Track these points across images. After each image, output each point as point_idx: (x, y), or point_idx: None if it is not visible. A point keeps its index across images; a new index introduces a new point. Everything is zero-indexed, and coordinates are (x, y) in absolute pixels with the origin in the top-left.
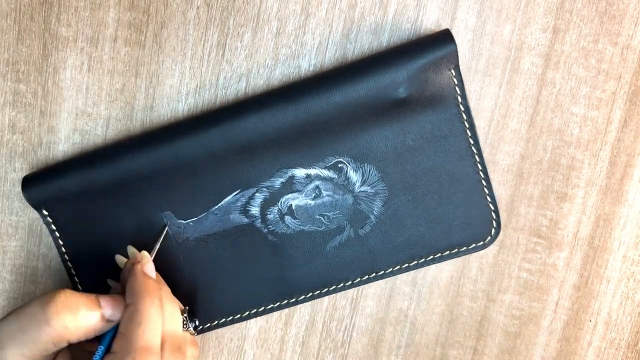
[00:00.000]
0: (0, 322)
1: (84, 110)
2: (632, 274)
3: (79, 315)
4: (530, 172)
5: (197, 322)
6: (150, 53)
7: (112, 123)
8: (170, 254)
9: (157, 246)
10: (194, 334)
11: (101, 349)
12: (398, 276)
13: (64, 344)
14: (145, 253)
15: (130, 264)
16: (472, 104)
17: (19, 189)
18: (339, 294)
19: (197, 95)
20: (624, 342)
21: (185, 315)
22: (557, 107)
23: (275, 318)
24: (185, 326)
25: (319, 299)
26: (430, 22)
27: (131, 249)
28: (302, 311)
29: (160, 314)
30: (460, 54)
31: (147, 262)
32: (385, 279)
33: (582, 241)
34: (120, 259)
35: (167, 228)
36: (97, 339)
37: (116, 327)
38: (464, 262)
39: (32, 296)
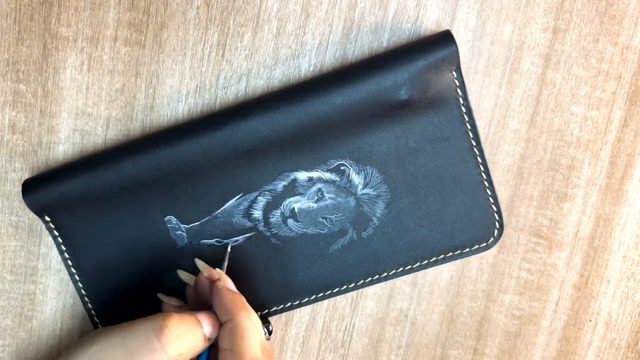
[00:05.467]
0: (102, 343)
1: (84, 110)
2: (632, 274)
3: (189, 339)
4: (530, 172)
5: (271, 328)
6: (150, 53)
7: (112, 123)
8: (172, 258)
9: (226, 263)
10: (268, 339)
11: None
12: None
13: None
14: (221, 271)
15: (204, 278)
16: (472, 104)
17: (19, 189)
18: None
19: (197, 95)
20: (624, 342)
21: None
22: (557, 107)
23: (275, 318)
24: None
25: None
26: (430, 22)
27: (200, 262)
28: (302, 311)
29: (256, 326)
30: (460, 54)
31: (226, 279)
32: None
33: (582, 241)
34: (184, 274)
35: (230, 246)
36: None
37: (207, 350)
38: (464, 262)
39: (32, 296)
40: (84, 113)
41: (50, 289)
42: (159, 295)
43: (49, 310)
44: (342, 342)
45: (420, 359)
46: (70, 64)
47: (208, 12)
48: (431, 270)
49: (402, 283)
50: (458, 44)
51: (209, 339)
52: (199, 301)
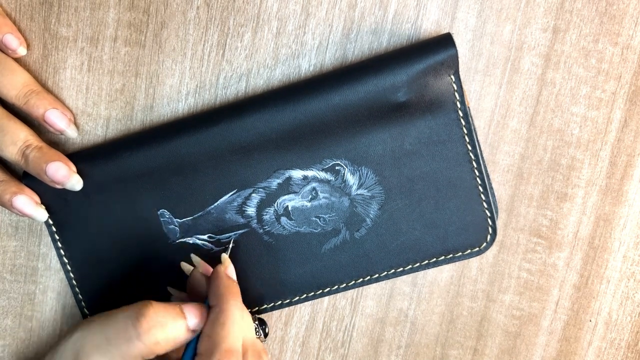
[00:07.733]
0: (83, 330)
1: (84, 110)
2: (632, 274)
3: (168, 329)
4: (530, 172)
5: (267, 330)
6: (150, 53)
7: (112, 123)
8: (164, 252)
9: (230, 249)
10: (263, 341)
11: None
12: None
13: (152, 357)
14: (226, 256)
15: (198, 273)
16: (472, 104)
17: None
18: (338, 294)
19: (197, 95)
20: (624, 342)
21: (256, 322)
22: (557, 107)
23: (275, 318)
24: (257, 333)
25: (319, 299)
26: (430, 22)
27: (195, 258)
28: (302, 311)
29: (243, 317)
30: (460, 54)
31: (229, 265)
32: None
33: (582, 241)
34: (185, 266)
35: (232, 240)
36: None
37: (197, 336)
38: (464, 262)
39: (32, 296)
40: (84, 113)
41: (50, 289)
42: (169, 288)
43: (48, 311)
44: (342, 342)
45: (420, 359)
46: (70, 64)
47: (208, 12)
48: (431, 271)
49: (402, 283)
50: (458, 44)
51: (194, 331)
52: (194, 296)
